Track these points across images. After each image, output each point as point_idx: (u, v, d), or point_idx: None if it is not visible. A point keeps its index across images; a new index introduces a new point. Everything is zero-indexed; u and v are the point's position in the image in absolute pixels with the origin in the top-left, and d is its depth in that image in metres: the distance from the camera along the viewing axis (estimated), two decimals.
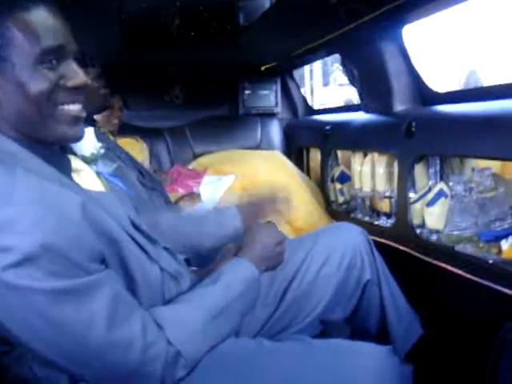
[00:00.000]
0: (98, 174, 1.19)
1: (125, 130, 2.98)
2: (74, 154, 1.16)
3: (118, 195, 1.18)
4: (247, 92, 3.85)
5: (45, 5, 1.00)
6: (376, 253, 1.61)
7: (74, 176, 1.09)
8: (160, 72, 3.69)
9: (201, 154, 3.61)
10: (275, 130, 3.86)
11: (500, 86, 1.96)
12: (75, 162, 1.13)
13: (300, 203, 2.79)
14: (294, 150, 3.69)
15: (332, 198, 2.96)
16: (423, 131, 2.05)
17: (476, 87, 2.18)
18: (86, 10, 2.00)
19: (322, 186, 3.07)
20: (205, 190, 2.59)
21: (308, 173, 3.53)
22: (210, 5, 2.84)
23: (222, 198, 2.66)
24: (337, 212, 2.89)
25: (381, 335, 1.61)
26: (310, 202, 2.89)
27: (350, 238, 1.58)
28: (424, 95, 2.32)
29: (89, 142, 1.17)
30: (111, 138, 2.48)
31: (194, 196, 2.51)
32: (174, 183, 2.97)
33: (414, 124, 2.07)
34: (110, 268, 0.97)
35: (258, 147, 3.73)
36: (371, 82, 2.50)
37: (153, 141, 3.56)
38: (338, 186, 2.88)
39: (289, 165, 3.20)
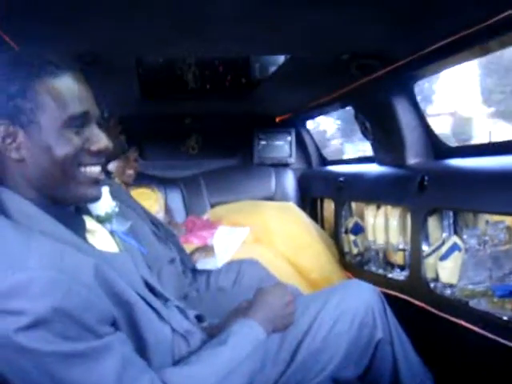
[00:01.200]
0: (112, 233, 1.21)
1: (140, 179, 3.02)
2: (89, 213, 1.18)
3: (131, 255, 1.19)
4: (262, 142, 3.90)
5: (72, 72, 1.06)
6: (388, 310, 1.59)
7: (89, 236, 1.11)
8: (176, 123, 3.77)
9: (216, 204, 3.63)
10: (289, 181, 3.89)
11: None
12: (89, 223, 1.15)
13: (313, 255, 2.78)
14: (308, 201, 3.70)
15: (346, 249, 2.95)
16: (436, 185, 2.05)
17: (489, 142, 2.18)
18: (106, 66, 2.05)
19: (335, 237, 3.06)
20: (218, 243, 2.58)
21: (322, 223, 3.54)
22: (226, 59, 2.90)
23: (237, 251, 2.64)
24: (350, 264, 2.88)
25: None
26: (324, 253, 2.87)
27: (362, 296, 1.56)
28: (437, 149, 2.33)
29: (104, 202, 1.20)
30: (125, 189, 2.51)
31: (207, 248, 2.51)
32: (188, 234, 2.98)
33: (426, 178, 2.08)
34: (120, 330, 0.98)
35: (272, 197, 3.74)
36: (384, 135, 2.52)
37: (168, 190, 3.60)
38: (352, 237, 2.87)
39: (303, 216, 3.20)
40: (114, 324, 0.98)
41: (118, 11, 1.48)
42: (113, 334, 0.95)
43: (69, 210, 1.11)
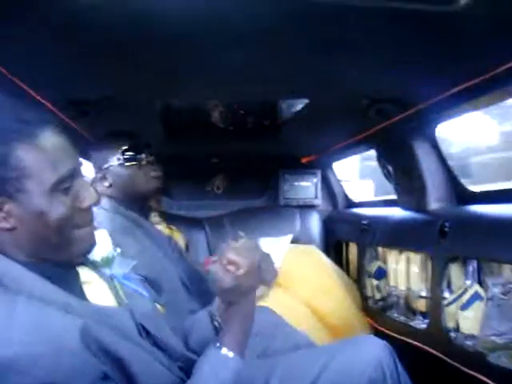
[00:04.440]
0: (112, 278, 1.18)
1: (165, 218, 3.02)
2: (85, 261, 1.15)
3: (130, 304, 1.15)
4: (287, 183, 3.89)
5: (51, 127, 1.00)
6: (400, 368, 1.50)
7: (85, 288, 1.08)
8: (202, 162, 3.78)
9: None
10: (314, 222, 3.84)
11: None
12: (85, 273, 1.12)
13: (333, 300, 2.73)
14: (333, 243, 3.65)
15: (369, 293, 2.88)
16: (457, 231, 2.00)
17: None
18: (129, 108, 2.09)
19: (358, 281, 3.01)
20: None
21: (347, 267, 3.48)
22: (250, 102, 2.92)
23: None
24: (372, 309, 2.81)
25: None
26: (344, 298, 2.81)
27: (373, 352, 1.47)
28: (459, 194, 2.29)
29: (100, 246, 1.16)
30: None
31: None
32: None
33: (447, 224, 2.03)
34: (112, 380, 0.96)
35: (296, 239, 3.69)
36: (406, 178, 2.49)
37: (192, 230, 3.59)
38: (375, 281, 2.80)
39: (325, 260, 3.13)
40: (105, 378, 0.94)
41: (140, 57, 1.49)
42: None
43: (62, 265, 1.06)
